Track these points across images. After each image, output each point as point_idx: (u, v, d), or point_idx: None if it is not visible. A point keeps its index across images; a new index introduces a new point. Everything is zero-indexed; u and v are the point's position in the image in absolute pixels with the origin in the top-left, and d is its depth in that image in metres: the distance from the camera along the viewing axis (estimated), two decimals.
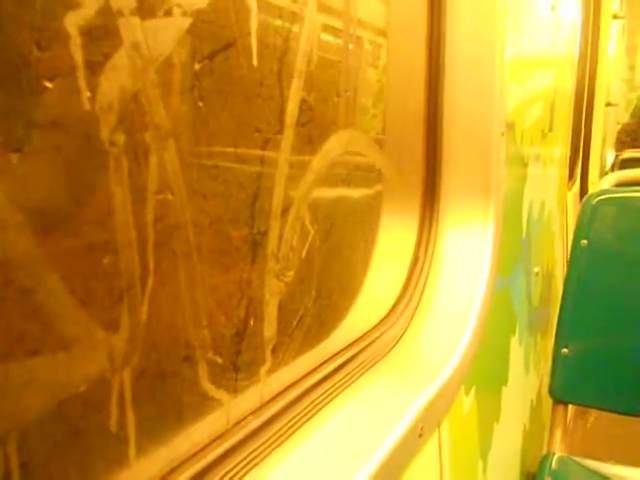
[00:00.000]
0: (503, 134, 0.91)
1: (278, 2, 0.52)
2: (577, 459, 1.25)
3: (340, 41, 0.67)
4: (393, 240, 0.83)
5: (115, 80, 0.36)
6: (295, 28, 0.54)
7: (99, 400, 0.36)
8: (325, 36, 0.63)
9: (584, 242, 1.35)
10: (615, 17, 3.49)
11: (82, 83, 0.34)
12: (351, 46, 0.70)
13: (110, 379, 0.37)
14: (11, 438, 0.31)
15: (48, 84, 0.33)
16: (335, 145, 0.63)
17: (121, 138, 0.36)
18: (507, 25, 0.94)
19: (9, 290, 0.31)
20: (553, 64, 1.49)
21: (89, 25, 0.34)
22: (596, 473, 1.23)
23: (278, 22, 0.52)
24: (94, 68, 0.34)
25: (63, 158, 0.34)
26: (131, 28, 0.37)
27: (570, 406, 1.33)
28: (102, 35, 0.35)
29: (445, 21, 0.89)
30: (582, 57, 2.61)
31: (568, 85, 1.78)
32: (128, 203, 0.37)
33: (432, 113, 0.89)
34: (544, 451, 1.29)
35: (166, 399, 0.42)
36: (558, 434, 1.29)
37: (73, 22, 0.33)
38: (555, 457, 1.24)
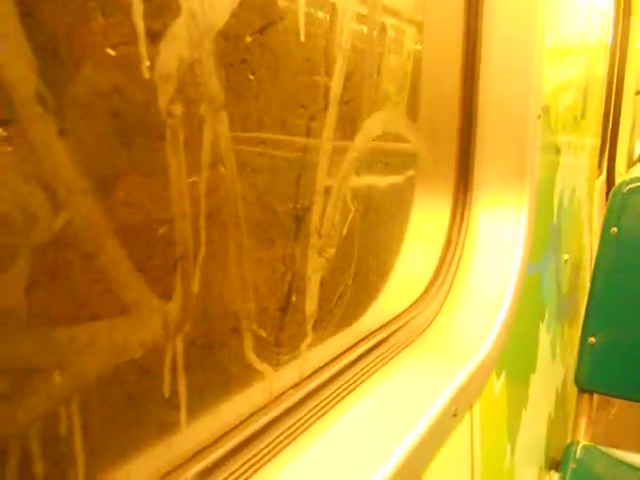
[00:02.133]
0: (540, 116, 0.89)
1: None
2: (602, 448, 1.25)
3: (376, 27, 0.67)
4: (426, 222, 0.82)
5: (173, 50, 0.36)
6: (340, 8, 0.54)
7: (153, 366, 0.37)
8: (363, 22, 0.62)
9: (614, 230, 1.33)
10: None
11: (143, 51, 0.34)
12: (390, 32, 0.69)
13: (164, 346, 0.37)
14: (74, 399, 0.32)
15: (111, 51, 0.33)
16: (375, 125, 0.63)
17: (178, 108, 0.37)
18: (547, 9, 0.92)
19: (73, 254, 0.32)
20: (587, 50, 1.46)
21: None
22: (620, 462, 1.22)
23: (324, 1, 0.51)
24: (154, 37, 0.35)
25: (122, 125, 0.35)
26: None
27: (595, 395, 1.33)
28: (162, 4, 0.35)
29: (482, 5, 0.88)
30: (613, 45, 2.56)
31: (600, 72, 1.75)
32: (183, 174, 0.38)
33: (467, 95, 0.88)
34: (568, 439, 1.29)
35: (214, 368, 0.43)
36: (583, 423, 1.29)
37: None
38: (579, 445, 1.24)
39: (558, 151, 1.18)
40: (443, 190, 0.86)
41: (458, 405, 0.64)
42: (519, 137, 0.87)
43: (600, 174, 2.50)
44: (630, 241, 1.33)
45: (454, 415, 0.62)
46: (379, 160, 0.67)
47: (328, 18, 0.52)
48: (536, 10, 0.86)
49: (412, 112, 0.79)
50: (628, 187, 1.35)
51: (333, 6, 0.53)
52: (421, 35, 0.82)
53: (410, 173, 0.80)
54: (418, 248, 0.80)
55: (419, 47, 0.82)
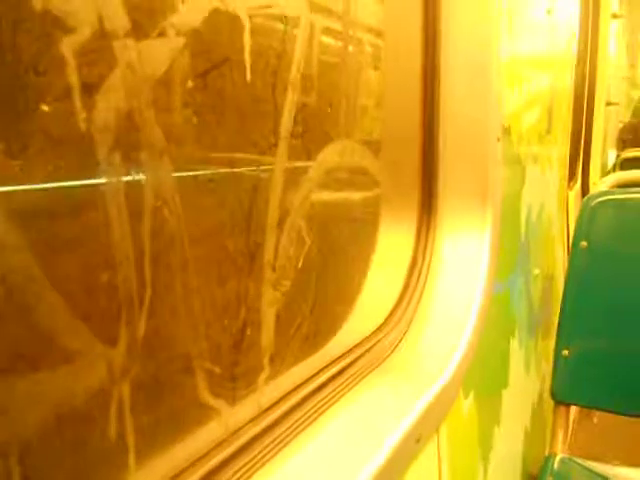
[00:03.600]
0: (499, 139, 0.91)
1: (271, 19, 0.52)
2: (579, 460, 1.26)
3: (338, 43, 0.68)
4: (391, 246, 0.83)
5: (111, 100, 0.37)
6: (288, 40, 0.55)
7: (99, 412, 0.37)
8: (323, 39, 0.64)
9: (584, 244, 1.35)
10: (614, 16, 3.49)
11: (78, 105, 0.35)
12: (351, 49, 0.71)
13: (109, 391, 0.38)
14: (13, 451, 0.32)
15: (45, 107, 0.34)
16: (330, 155, 0.64)
17: (117, 157, 0.37)
18: (502, 29, 0.94)
19: (10, 306, 0.32)
20: (550, 67, 1.50)
21: (84, 48, 0.35)
22: (598, 474, 1.23)
23: (271, 38, 0.52)
24: (90, 90, 0.35)
25: (62, 179, 0.35)
26: (125, 49, 0.38)
27: (572, 407, 1.34)
28: (97, 57, 0.36)
29: (440, 25, 0.90)
30: (582, 57, 2.61)
31: (566, 86, 1.79)
32: (125, 219, 0.38)
33: (428, 117, 0.90)
34: (546, 452, 1.30)
35: (165, 409, 0.43)
36: (560, 435, 1.30)
37: (69, 46, 0.34)
38: (557, 458, 1.25)
39: (523, 168, 1.20)
40: (407, 214, 0.87)
41: (422, 430, 0.64)
42: (480, 160, 0.89)
43: (575, 184, 2.54)
44: (599, 254, 1.35)
45: (417, 441, 0.63)
46: (337, 189, 0.68)
47: (275, 55, 0.53)
48: (491, 32, 0.89)
49: (372, 139, 0.80)
50: (596, 200, 1.38)
51: (281, 43, 0.54)
52: (379, 59, 0.84)
53: (373, 196, 0.81)
54: (382, 272, 0.81)
55: (376, 71, 0.84)
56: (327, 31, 0.66)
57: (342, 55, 0.70)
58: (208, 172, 0.47)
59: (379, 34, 0.84)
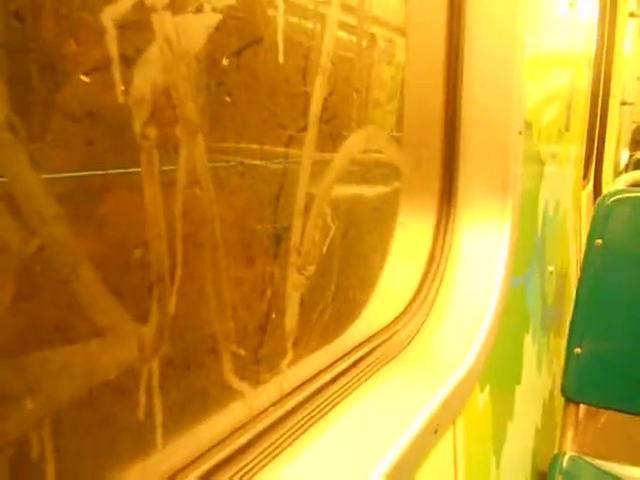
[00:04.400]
0: (521, 132, 0.91)
1: (304, 1, 0.52)
2: (588, 459, 1.25)
3: (358, 39, 0.67)
4: (410, 237, 0.83)
5: (147, 74, 0.36)
6: (319, 27, 0.55)
7: (128, 388, 0.37)
8: (345, 34, 0.63)
9: (599, 242, 1.34)
10: (632, 15, 3.45)
11: (117, 77, 0.34)
12: (370, 44, 0.70)
13: (139, 368, 0.38)
14: (46, 423, 0.32)
15: (84, 78, 0.33)
16: (356, 142, 0.63)
17: (153, 132, 0.37)
18: (527, 24, 0.93)
19: (46, 279, 0.32)
20: (570, 63, 1.48)
21: (124, 20, 0.35)
22: (607, 473, 1.23)
23: (303, 21, 0.52)
24: (128, 62, 0.35)
25: (97, 151, 0.35)
26: (163, 23, 0.37)
27: (582, 406, 1.33)
28: (136, 30, 0.36)
29: (465, 19, 0.89)
30: (598, 55, 2.59)
31: (584, 84, 1.77)
32: (158, 197, 0.38)
33: (450, 111, 0.89)
34: (555, 450, 1.29)
35: (191, 389, 0.43)
36: (569, 434, 1.29)
37: (109, 17, 0.34)
38: (566, 457, 1.24)
39: (542, 164, 1.19)
40: (427, 205, 0.87)
41: (440, 421, 0.64)
42: (501, 153, 0.88)
43: (587, 184, 2.52)
44: (615, 252, 1.34)
45: (435, 431, 0.62)
46: (361, 177, 0.67)
47: (307, 38, 0.53)
48: (516, 28, 0.88)
49: (396, 129, 0.80)
50: (612, 199, 1.37)
51: (313, 25, 0.54)
52: (404, 50, 0.83)
53: (394, 188, 0.80)
54: (402, 263, 0.80)
55: (402, 62, 0.83)
56: (349, 27, 0.65)
57: (365, 49, 0.70)
58: (239, 155, 0.46)
59: (401, 30, 0.83)
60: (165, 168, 0.39)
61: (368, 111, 0.69)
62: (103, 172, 0.36)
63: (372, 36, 0.72)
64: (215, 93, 0.43)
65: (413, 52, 0.86)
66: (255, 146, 0.48)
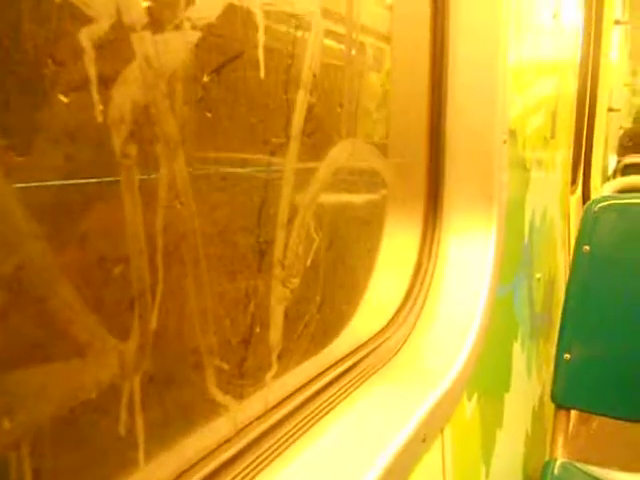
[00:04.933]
0: (505, 142, 0.91)
1: (284, 17, 0.52)
2: (579, 465, 1.25)
3: (343, 47, 0.68)
4: (396, 247, 0.83)
5: (127, 93, 0.37)
6: (300, 40, 0.55)
7: (109, 405, 0.37)
8: (330, 42, 0.64)
9: (586, 248, 1.35)
10: (617, 23, 3.50)
11: (95, 96, 0.35)
12: (354, 53, 0.71)
13: (120, 385, 0.38)
14: (24, 443, 0.32)
15: (63, 98, 0.33)
16: (339, 154, 0.64)
17: (132, 150, 0.37)
18: (510, 33, 0.95)
19: (24, 297, 0.32)
20: (555, 71, 1.50)
21: (102, 40, 0.35)
22: (599, 479, 1.23)
23: (284, 36, 0.52)
24: (107, 82, 0.35)
25: (76, 170, 0.35)
26: (143, 42, 0.37)
27: (572, 412, 1.34)
28: (115, 49, 0.36)
29: (448, 28, 0.90)
30: (584, 62, 2.62)
31: (570, 91, 1.79)
32: (139, 213, 0.38)
33: (435, 120, 0.90)
34: (546, 457, 1.29)
35: (174, 404, 0.43)
36: (560, 440, 1.29)
37: (87, 37, 0.34)
38: (557, 463, 1.24)
39: (528, 172, 1.21)
40: (413, 214, 0.87)
41: (427, 430, 0.64)
42: (486, 162, 0.89)
43: (576, 189, 2.54)
44: (602, 259, 1.35)
45: (423, 440, 0.63)
46: (346, 188, 0.68)
47: (288, 52, 0.53)
48: (499, 36, 0.89)
49: (380, 140, 0.81)
50: (599, 205, 1.38)
51: (293, 41, 0.54)
52: (388, 60, 0.84)
53: (379, 198, 0.81)
54: (388, 272, 0.80)
55: (386, 73, 0.84)
56: (334, 35, 0.66)
57: (350, 58, 0.70)
58: (221, 170, 0.46)
59: (385, 38, 0.84)
60: (146, 184, 0.39)
61: (351, 122, 0.70)
62: (83, 187, 0.36)
63: (360, 45, 0.73)
64: (196, 109, 0.43)
65: (397, 61, 0.87)
66: (237, 161, 0.48)
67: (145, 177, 0.39)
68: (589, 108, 2.91)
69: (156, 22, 0.38)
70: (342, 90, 0.67)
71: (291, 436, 0.54)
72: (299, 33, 0.55)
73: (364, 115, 0.75)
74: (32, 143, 0.33)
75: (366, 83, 0.77)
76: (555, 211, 1.62)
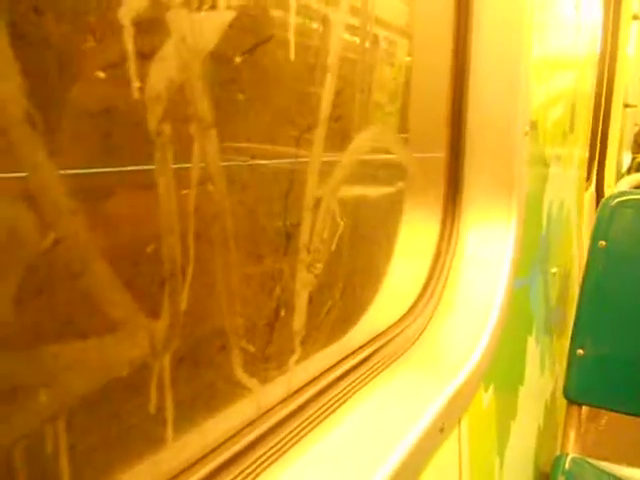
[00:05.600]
0: (527, 133, 0.91)
1: (314, 1, 0.52)
2: (590, 460, 1.25)
3: (367, 41, 0.68)
4: (415, 236, 0.83)
5: (163, 71, 0.37)
6: (328, 26, 0.55)
7: (140, 383, 0.37)
8: (352, 37, 0.63)
9: (602, 243, 1.34)
10: (635, 17, 3.45)
11: (133, 73, 0.35)
12: (378, 45, 0.70)
13: (151, 363, 0.38)
14: (61, 417, 0.32)
15: (101, 73, 0.33)
16: (364, 141, 0.64)
17: (167, 128, 0.37)
18: (533, 25, 0.94)
19: (61, 272, 0.32)
20: (575, 64, 1.48)
21: (140, 17, 0.35)
22: (609, 475, 1.23)
23: (314, 19, 0.52)
24: (144, 59, 0.35)
25: (112, 145, 0.35)
26: (179, 21, 0.37)
27: (584, 407, 1.33)
28: (152, 27, 0.36)
29: (472, 20, 0.89)
30: (601, 57, 2.59)
31: (588, 85, 1.78)
32: (171, 193, 0.38)
33: (457, 111, 0.89)
34: (557, 452, 1.29)
35: (202, 384, 0.43)
36: (572, 435, 1.29)
37: (126, 14, 0.34)
38: (569, 458, 1.24)
39: (547, 165, 1.20)
40: (432, 204, 0.87)
41: (445, 420, 0.64)
42: (507, 153, 0.88)
43: (589, 186, 2.53)
44: (618, 254, 1.34)
45: (441, 430, 0.63)
46: (368, 175, 0.68)
47: (318, 35, 0.53)
48: (523, 28, 0.88)
49: (402, 128, 0.80)
50: (616, 200, 1.37)
51: (323, 24, 0.54)
52: (411, 50, 0.83)
53: (399, 188, 0.80)
54: (407, 262, 0.80)
55: (409, 62, 0.83)
56: (358, 30, 0.65)
57: (373, 51, 0.70)
58: (251, 152, 0.46)
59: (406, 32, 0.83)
60: (178, 165, 0.39)
61: (376, 112, 0.69)
62: (117, 168, 0.36)
63: (383, 38, 0.72)
64: (228, 90, 0.43)
65: (419, 53, 0.86)
66: (266, 143, 0.48)
67: (178, 157, 0.39)
68: (605, 104, 2.89)
69: (192, 1, 0.38)
70: (367, 79, 0.66)
71: (312, 421, 0.54)
72: (326, 19, 0.55)
73: (385, 107, 0.75)
74: (70, 119, 0.33)
75: (388, 75, 0.77)
76: (572, 206, 1.61)
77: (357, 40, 0.65)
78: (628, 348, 1.32)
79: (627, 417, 1.33)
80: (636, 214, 1.38)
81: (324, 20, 0.54)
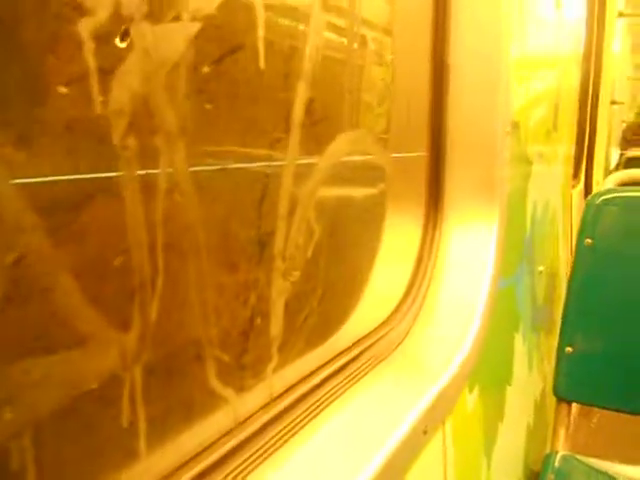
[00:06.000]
0: (508, 133, 0.91)
1: (285, 8, 0.52)
2: (580, 458, 1.26)
3: (345, 39, 0.68)
4: (397, 239, 0.83)
5: (126, 84, 0.37)
6: (301, 30, 0.55)
7: (111, 396, 0.37)
8: (330, 35, 0.63)
9: (588, 241, 1.35)
10: (621, 15, 3.48)
11: (95, 88, 0.35)
12: (355, 45, 0.71)
13: (122, 376, 0.38)
14: (27, 432, 0.32)
15: (63, 89, 0.33)
16: (341, 145, 0.64)
17: (132, 141, 0.37)
18: (513, 24, 0.94)
19: (25, 289, 0.32)
20: (557, 63, 1.49)
21: (101, 30, 0.35)
22: (599, 472, 1.23)
23: (284, 26, 0.52)
24: (106, 73, 0.35)
25: (76, 160, 0.35)
26: (142, 33, 0.37)
27: (573, 405, 1.34)
28: (114, 40, 0.36)
29: (450, 19, 0.89)
30: (587, 55, 2.61)
31: (573, 83, 1.79)
32: (139, 204, 0.38)
33: (437, 112, 0.90)
34: (547, 449, 1.30)
35: (175, 395, 0.43)
36: (562, 433, 1.29)
37: (86, 28, 0.34)
38: (558, 456, 1.25)
39: (530, 164, 1.20)
40: (414, 206, 0.87)
41: (429, 422, 0.64)
42: (488, 154, 0.89)
43: (578, 183, 2.54)
44: (604, 252, 1.35)
45: (424, 432, 0.63)
46: (347, 179, 0.68)
47: (288, 43, 0.53)
48: (502, 28, 0.88)
49: (381, 131, 0.80)
50: (601, 198, 1.37)
51: (294, 32, 0.54)
52: (390, 51, 0.84)
53: (381, 188, 0.81)
54: (390, 265, 0.80)
55: (388, 64, 0.83)
56: (335, 28, 0.65)
57: (350, 50, 0.70)
58: (220, 161, 0.46)
59: (387, 31, 0.83)
60: (145, 176, 0.39)
61: (353, 114, 0.69)
62: (83, 180, 0.36)
63: (361, 37, 0.72)
64: (196, 101, 0.43)
65: (399, 53, 0.86)
66: (237, 152, 0.48)
67: (145, 169, 0.39)
68: (592, 101, 2.90)
69: (155, 13, 0.38)
70: (343, 82, 0.67)
71: (292, 428, 0.54)
72: (298, 24, 0.55)
73: (366, 109, 0.75)
74: (33, 135, 0.33)
75: (367, 76, 0.77)
76: (557, 204, 1.62)
77: (336, 41, 0.65)
78: (616, 345, 1.33)
79: (616, 414, 1.34)
80: (622, 212, 1.39)
81: (296, 26, 0.55)
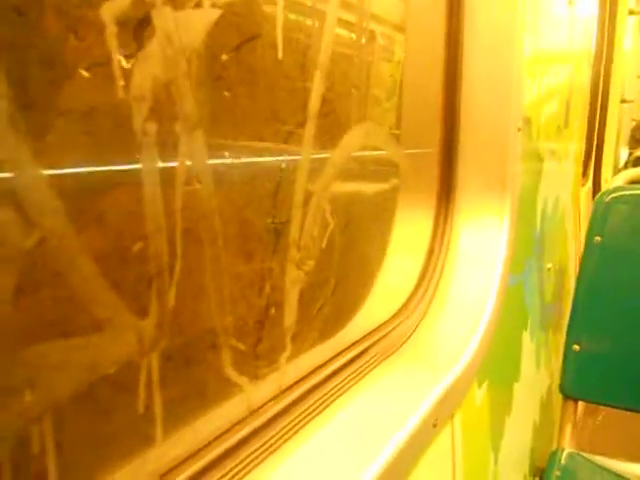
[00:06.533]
0: (520, 129, 0.91)
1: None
2: (586, 455, 1.26)
3: (357, 35, 0.67)
4: (408, 233, 0.83)
5: (148, 70, 0.37)
6: (318, 23, 0.55)
7: (128, 382, 0.37)
8: (343, 31, 0.63)
9: (597, 239, 1.34)
10: (632, 13, 3.45)
11: (117, 72, 0.35)
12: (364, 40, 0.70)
13: (138, 362, 0.38)
14: (47, 417, 0.32)
15: (84, 72, 0.33)
16: (355, 137, 0.64)
17: (152, 127, 0.37)
18: (526, 20, 0.93)
19: (46, 272, 0.32)
20: (569, 59, 1.48)
21: (124, 15, 0.35)
22: (605, 469, 1.23)
23: (302, 17, 0.52)
24: (128, 57, 0.35)
25: (97, 145, 0.35)
26: (164, 18, 0.37)
27: (580, 402, 1.34)
28: (136, 25, 0.36)
29: (464, 15, 0.89)
30: (597, 52, 2.59)
31: (584, 81, 1.77)
32: (158, 191, 0.38)
33: (449, 107, 0.89)
34: (553, 447, 1.30)
35: (191, 383, 0.43)
36: (567, 430, 1.29)
37: (109, 12, 0.34)
38: (565, 453, 1.25)
39: (541, 161, 1.20)
40: (425, 201, 0.87)
41: (438, 415, 0.64)
42: (500, 149, 0.88)
43: (586, 182, 2.53)
44: (613, 249, 1.34)
45: (434, 426, 0.63)
46: (359, 172, 0.68)
47: (305, 34, 0.53)
48: (515, 24, 0.88)
49: (394, 125, 0.80)
50: (611, 196, 1.37)
51: (312, 22, 0.54)
52: (403, 47, 0.83)
53: (393, 182, 0.81)
54: (401, 259, 0.80)
55: (401, 59, 0.83)
56: (347, 24, 0.65)
57: (362, 46, 0.70)
58: (238, 148, 0.46)
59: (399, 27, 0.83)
60: (164, 163, 0.39)
61: (367, 107, 0.69)
62: (103, 168, 0.36)
63: (372, 33, 0.72)
64: (214, 88, 0.43)
65: (412, 49, 0.86)
66: (254, 141, 0.48)
67: (164, 155, 0.39)
68: (602, 99, 2.88)
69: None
70: (357, 75, 0.66)
71: (303, 418, 0.55)
72: (316, 17, 0.55)
73: (377, 103, 0.75)
74: (54, 119, 0.33)
75: (380, 72, 0.77)
76: (567, 201, 1.61)
77: (350, 36, 0.65)
78: (624, 343, 1.32)
79: (623, 412, 1.33)
80: (631, 209, 1.38)
81: (313, 18, 0.54)
